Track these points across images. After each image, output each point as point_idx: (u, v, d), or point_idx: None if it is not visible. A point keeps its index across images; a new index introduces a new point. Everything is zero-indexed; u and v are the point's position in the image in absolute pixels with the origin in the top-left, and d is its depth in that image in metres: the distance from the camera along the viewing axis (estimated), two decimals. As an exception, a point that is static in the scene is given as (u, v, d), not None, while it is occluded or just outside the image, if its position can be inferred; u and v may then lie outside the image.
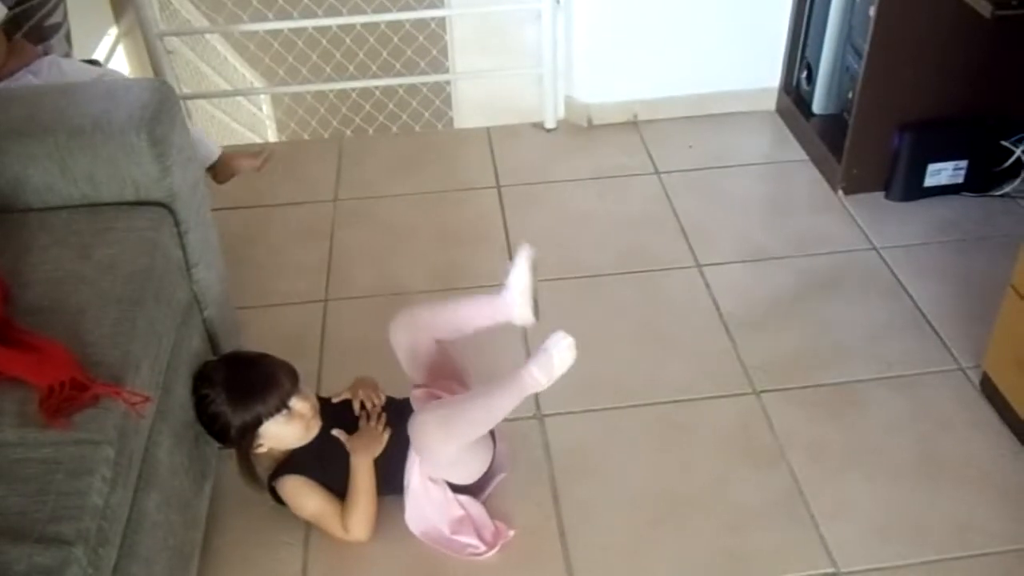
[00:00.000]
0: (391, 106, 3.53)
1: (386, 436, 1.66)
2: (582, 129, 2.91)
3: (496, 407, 1.60)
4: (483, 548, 1.62)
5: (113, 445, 1.20)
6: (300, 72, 3.53)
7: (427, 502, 1.64)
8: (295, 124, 4.14)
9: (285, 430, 1.60)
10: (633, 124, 2.90)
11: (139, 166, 1.55)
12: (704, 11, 2.74)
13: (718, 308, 2.16)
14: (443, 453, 1.60)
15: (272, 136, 4.69)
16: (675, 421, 1.88)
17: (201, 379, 1.59)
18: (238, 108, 4.23)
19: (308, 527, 1.67)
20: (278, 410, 1.57)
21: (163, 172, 1.57)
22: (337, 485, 1.65)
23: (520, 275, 1.71)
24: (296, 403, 1.59)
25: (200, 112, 3.56)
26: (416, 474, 1.63)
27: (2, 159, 1.52)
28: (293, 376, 1.61)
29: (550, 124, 2.91)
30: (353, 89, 3.50)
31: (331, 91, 3.64)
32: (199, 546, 1.57)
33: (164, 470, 1.40)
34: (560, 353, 1.56)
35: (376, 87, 3.48)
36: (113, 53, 3.02)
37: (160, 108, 1.58)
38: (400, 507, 1.67)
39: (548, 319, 2.13)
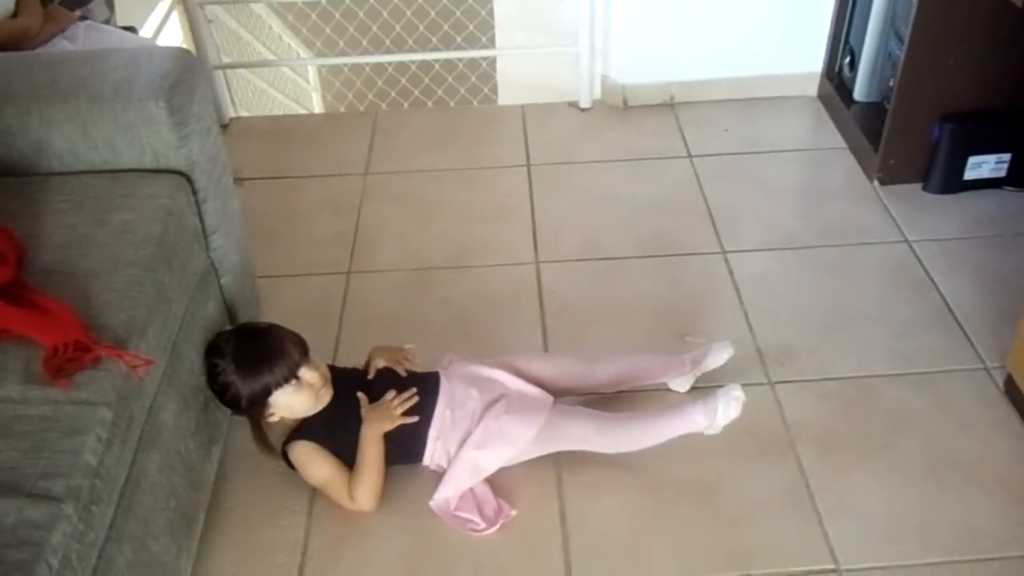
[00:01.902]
0: (427, 81, 3.52)
1: (399, 412, 1.67)
2: (617, 110, 2.87)
3: (651, 435, 1.70)
4: (483, 525, 1.63)
5: (111, 407, 1.23)
6: (337, 44, 3.55)
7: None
8: (332, 96, 4.16)
9: (295, 399, 1.62)
10: (669, 106, 2.86)
11: (157, 134, 1.57)
12: (746, -8, 2.69)
13: (739, 296, 2.13)
14: (551, 449, 1.71)
15: (317, 106, 4.72)
16: (686, 408, 1.86)
17: (212, 350, 1.62)
18: (282, 78, 4.26)
19: (313, 495, 1.70)
20: (287, 380, 1.59)
21: (181, 140, 1.59)
22: (347, 454, 1.66)
23: (713, 364, 1.84)
24: (305, 373, 1.61)
25: (242, 82, 3.59)
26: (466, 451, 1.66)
27: (26, 122, 1.55)
28: (302, 347, 1.63)
29: (585, 104, 2.88)
30: (389, 63, 3.50)
31: (367, 64, 3.65)
32: (204, 508, 1.60)
33: (168, 433, 1.43)
34: (726, 408, 1.64)
35: (412, 61, 3.47)
36: (166, 21, 3.06)
37: (181, 77, 1.59)
38: (407, 478, 1.69)
39: (566, 300, 2.14)
